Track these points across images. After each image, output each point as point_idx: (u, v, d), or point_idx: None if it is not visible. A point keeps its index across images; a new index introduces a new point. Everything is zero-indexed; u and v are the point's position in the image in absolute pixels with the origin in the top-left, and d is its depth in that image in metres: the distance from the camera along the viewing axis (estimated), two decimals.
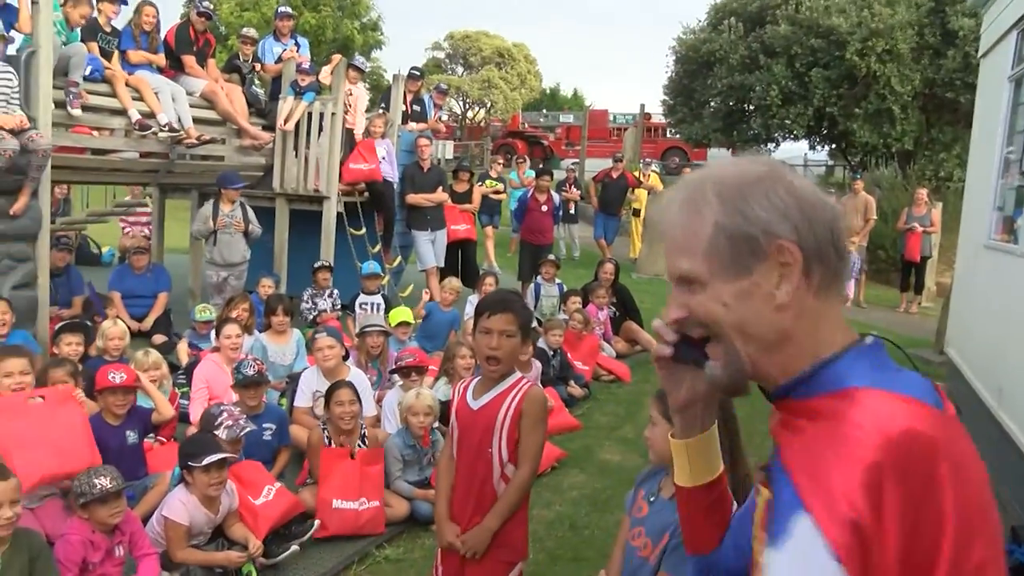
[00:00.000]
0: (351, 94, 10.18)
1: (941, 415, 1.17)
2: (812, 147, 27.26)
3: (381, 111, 10.84)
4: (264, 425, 5.31)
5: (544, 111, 40.77)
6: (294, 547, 4.54)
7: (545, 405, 3.29)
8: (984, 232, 7.55)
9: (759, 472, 1.35)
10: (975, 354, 7.48)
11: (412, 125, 11.49)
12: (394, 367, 6.30)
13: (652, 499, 2.69)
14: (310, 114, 9.68)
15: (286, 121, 9.59)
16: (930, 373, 8.87)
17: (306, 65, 9.89)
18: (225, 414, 4.84)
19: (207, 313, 7.75)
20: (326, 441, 5.20)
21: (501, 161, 17.29)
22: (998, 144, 7.41)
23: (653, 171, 18.65)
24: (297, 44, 10.68)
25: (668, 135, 31.54)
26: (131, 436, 5.00)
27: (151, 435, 5.35)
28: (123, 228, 13.65)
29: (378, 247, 10.27)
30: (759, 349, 1.25)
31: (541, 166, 17.13)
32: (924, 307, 14.25)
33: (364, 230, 10.07)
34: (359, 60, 10.75)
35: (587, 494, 5.76)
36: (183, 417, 5.99)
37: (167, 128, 8.38)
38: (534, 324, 7.79)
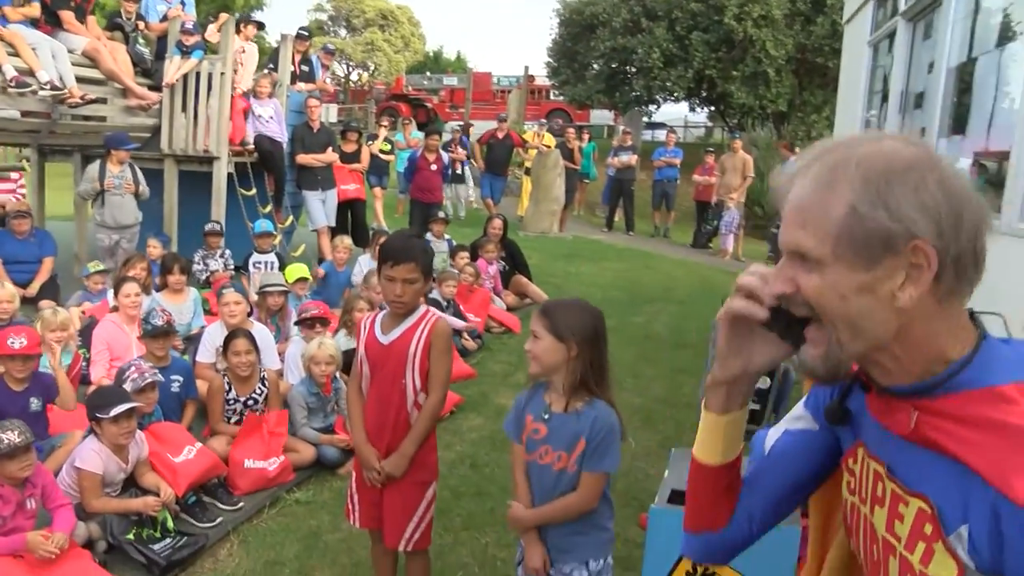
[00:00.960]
0: (243, 51, 10.10)
1: None
2: (692, 109, 28.11)
3: (268, 71, 10.77)
4: (172, 377, 5.38)
5: (428, 74, 40.57)
6: (221, 518, 4.65)
7: (451, 337, 3.53)
8: None
9: (889, 476, 1.28)
10: None
11: (301, 85, 11.45)
12: (299, 319, 6.44)
13: (547, 416, 2.92)
14: (198, 74, 9.58)
15: (172, 77, 9.45)
16: None
17: (190, 24, 9.74)
18: (132, 368, 4.93)
19: (100, 266, 7.67)
20: (227, 387, 5.36)
21: (385, 123, 17.34)
22: (860, 105, 7.93)
23: (547, 132, 18.94)
24: (182, 2, 10.48)
25: (552, 97, 31.89)
26: (35, 403, 4.88)
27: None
28: None
29: (269, 207, 10.26)
30: (867, 346, 1.20)
31: (431, 126, 17.24)
32: None
33: (255, 190, 10.05)
34: (250, 15, 10.65)
35: (485, 435, 6.05)
36: (84, 379, 5.99)
37: (48, 86, 8.18)
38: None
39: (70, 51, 8.75)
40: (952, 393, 1.16)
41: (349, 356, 5.97)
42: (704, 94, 24.48)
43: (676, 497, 3.14)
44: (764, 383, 5.03)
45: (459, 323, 7.90)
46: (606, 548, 3.00)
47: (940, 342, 1.18)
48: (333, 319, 6.90)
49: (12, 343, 4.74)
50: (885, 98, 7.08)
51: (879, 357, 1.21)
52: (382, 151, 15.36)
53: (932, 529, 1.17)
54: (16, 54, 8.11)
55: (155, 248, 8.46)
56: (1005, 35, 4.45)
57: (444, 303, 8.04)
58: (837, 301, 1.18)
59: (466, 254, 9.42)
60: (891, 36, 6.86)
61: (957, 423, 1.14)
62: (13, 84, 7.92)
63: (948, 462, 1.15)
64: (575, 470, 2.86)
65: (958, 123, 5.14)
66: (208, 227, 9.06)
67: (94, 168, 8.75)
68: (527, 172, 17.87)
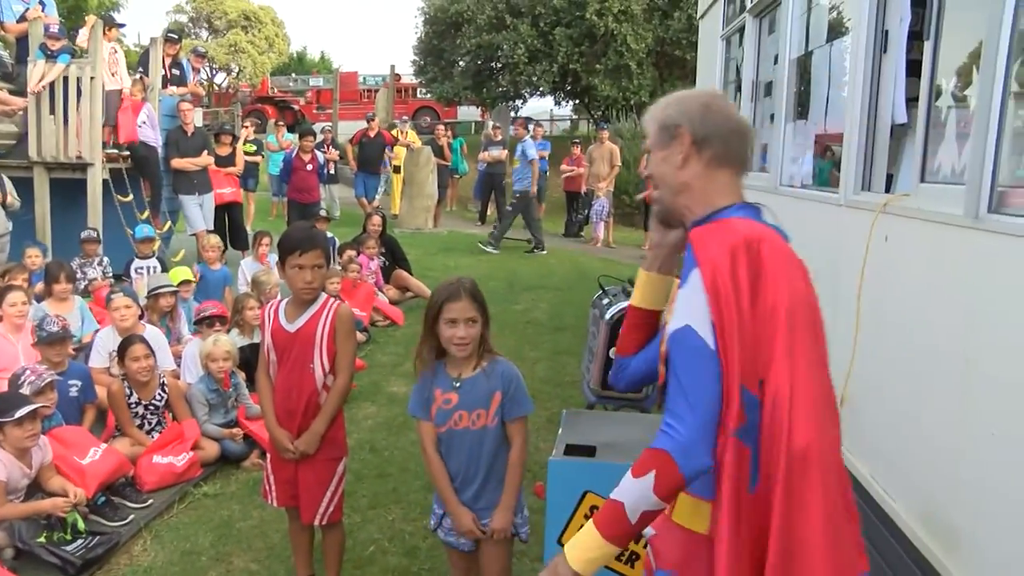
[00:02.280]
0: (115, 51, 9.98)
1: (782, 238, 1.96)
2: (557, 103, 28.65)
3: (139, 75, 10.65)
4: (70, 382, 5.41)
5: (293, 75, 40.04)
6: (132, 516, 4.73)
7: (353, 320, 3.77)
8: None
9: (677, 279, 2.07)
10: None
11: (173, 89, 11.36)
12: (198, 318, 6.52)
13: (458, 384, 3.16)
14: (66, 78, 9.41)
15: (39, 83, 9.27)
16: None
17: (55, 28, 9.54)
18: (28, 371, 4.96)
19: None
20: (127, 391, 5.43)
21: (249, 125, 17.21)
22: None
23: (410, 129, 19.16)
24: (42, 3, 10.22)
25: (419, 95, 32.00)
26: None
27: None
28: None
29: (147, 212, 10.17)
30: (672, 192, 2.06)
31: (302, 127, 17.20)
32: None
33: (131, 196, 9.95)
34: (114, 16, 10.51)
35: (381, 422, 6.28)
36: None
37: None
38: None
39: None
40: (710, 222, 1.97)
41: (243, 352, 6.13)
42: (569, 88, 25.09)
43: (571, 450, 3.45)
44: None
45: None
46: (520, 500, 3.29)
47: (711, 196, 2.01)
48: (228, 318, 6.99)
49: None
50: (739, 88, 7.57)
51: (681, 202, 2.04)
52: (247, 153, 15.28)
53: (674, 294, 2.06)
54: None
55: (35, 257, 8.30)
56: (836, 30, 4.94)
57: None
58: (655, 168, 2.08)
59: (352, 251, 9.57)
60: (741, 31, 7.35)
61: (701, 231, 1.95)
62: None
63: (689, 251, 1.92)
64: (496, 423, 3.12)
65: (801, 109, 5.62)
66: (84, 234, 8.94)
67: None
68: (396, 170, 18.03)
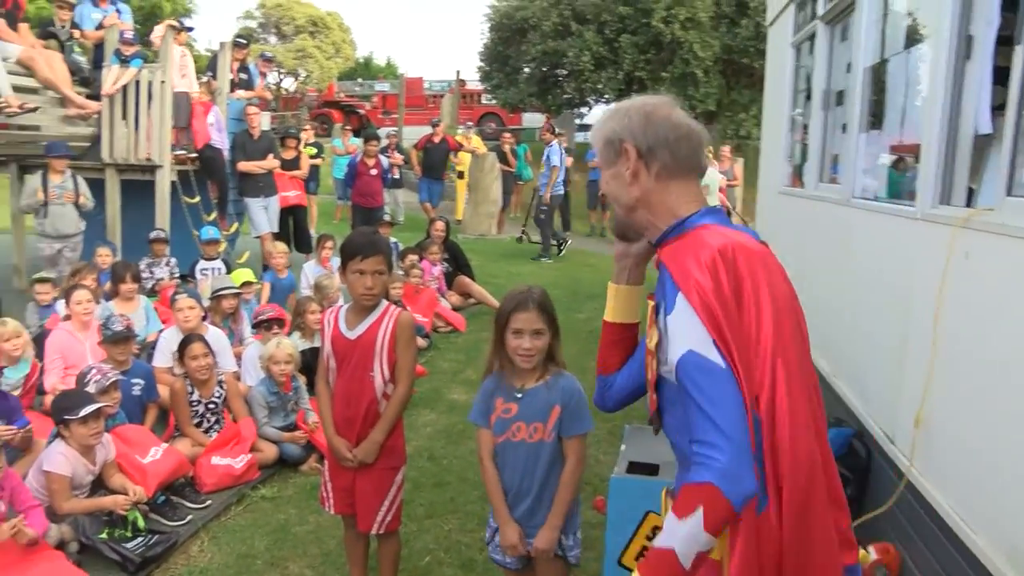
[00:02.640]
0: (184, 55, 10.16)
1: (759, 243, 1.92)
2: None
3: (207, 78, 10.81)
4: (133, 381, 5.48)
5: (359, 80, 40.48)
6: (190, 516, 4.77)
7: (414, 328, 3.73)
8: (779, 181, 8.43)
9: (649, 296, 2.02)
10: None
11: (240, 93, 11.50)
12: (255, 321, 6.56)
13: (519, 395, 3.10)
14: (138, 82, 9.59)
15: (113, 86, 9.46)
16: None
17: (129, 34, 9.75)
18: (94, 371, 5.03)
19: (44, 274, 7.64)
20: (189, 390, 5.48)
21: (309, 128, 17.32)
22: (786, 103, 8.28)
23: (475, 135, 19.17)
24: (118, 10, 10.48)
25: (484, 101, 32.09)
26: None
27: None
28: None
29: (213, 214, 10.31)
30: (625, 208, 2.01)
31: (367, 131, 17.32)
32: None
33: (198, 198, 10.09)
34: (182, 21, 10.72)
35: (440, 429, 6.24)
36: (39, 388, 6.02)
37: None
38: None
39: (4, 59, 8.70)
40: (676, 236, 1.91)
41: (304, 356, 6.14)
42: (634, 95, 24.87)
43: (634, 468, 3.36)
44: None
45: None
46: (574, 521, 3.18)
47: (671, 207, 1.94)
48: (286, 322, 7.02)
49: None
50: (809, 96, 7.41)
51: (639, 218, 1.99)
52: (308, 156, 15.40)
53: (652, 317, 1.94)
54: None
55: (105, 256, 8.46)
56: (912, 38, 4.77)
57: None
58: (606, 186, 2.03)
59: (415, 256, 9.57)
60: (811, 38, 7.20)
61: (672, 249, 1.89)
62: None
63: (666, 273, 1.86)
64: (552, 438, 3.03)
65: (875, 119, 5.46)
66: (153, 235, 9.09)
67: (35, 180, 8.75)
68: (460, 176, 18.06)
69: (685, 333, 1.78)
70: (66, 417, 4.45)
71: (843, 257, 5.69)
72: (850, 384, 5.29)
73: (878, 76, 5.33)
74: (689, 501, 1.67)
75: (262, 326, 6.43)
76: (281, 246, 9.56)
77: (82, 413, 4.41)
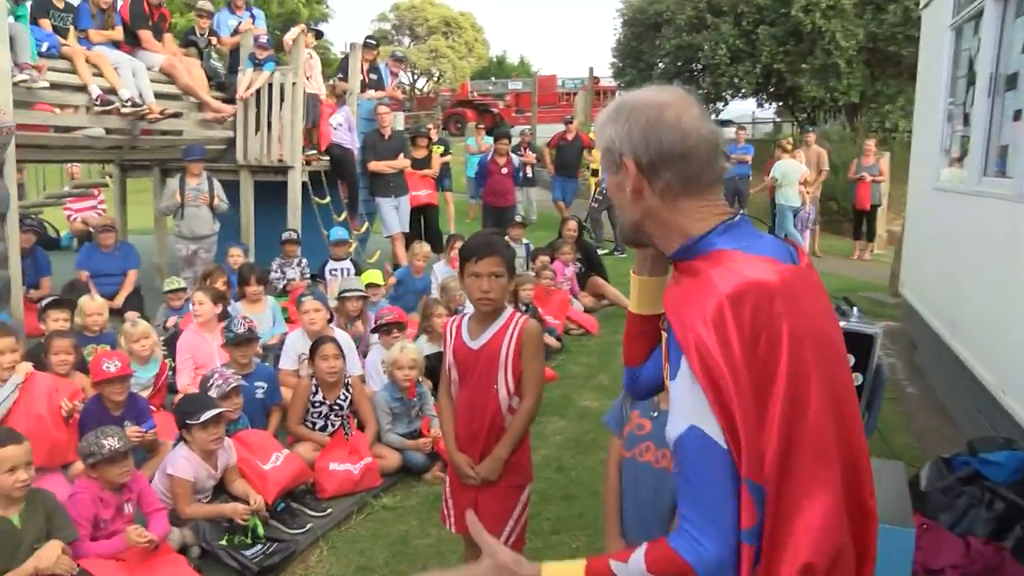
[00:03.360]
0: (311, 57, 10.26)
1: (787, 267, 1.59)
2: (760, 104, 27.61)
3: (336, 79, 10.89)
4: (256, 384, 5.43)
5: (492, 79, 40.65)
6: (310, 524, 4.67)
7: (541, 336, 3.46)
8: (933, 176, 7.84)
9: (663, 319, 1.77)
10: (928, 292, 7.79)
11: (371, 93, 11.55)
12: (375, 325, 6.46)
13: (655, 414, 2.81)
14: (270, 85, 9.71)
15: (247, 90, 9.62)
16: (887, 315, 9.21)
17: (264, 38, 9.91)
18: (216, 375, 4.99)
19: (175, 283, 7.76)
20: (313, 389, 5.40)
21: (432, 126, 17.29)
22: (943, 91, 7.68)
23: None
24: (252, 16, 10.69)
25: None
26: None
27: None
28: (67, 215, 13.39)
29: (344, 214, 10.35)
30: (631, 223, 1.75)
31: (499, 130, 17.21)
32: (877, 254, 14.65)
33: (329, 198, 10.15)
34: (314, 24, 10.84)
35: (570, 438, 5.98)
36: (170, 388, 6.10)
37: (129, 103, 8.38)
38: None
39: (148, 68, 8.98)
40: (690, 258, 1.65)
41: (430, 361, 5.98)
42: (772, 89, 24.07)
43: None
44: (857, 380, 4.88)
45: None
46: None
47: (681, 224, 1.66)
48: (411, 325, 6.90)
49: (107, 367, 4.81)
50: (971, 82, 6.85)
51: (648, 232, 1.73)
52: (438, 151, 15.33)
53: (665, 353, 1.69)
54: (100, 74, 8.34)
55: (237, 256, 8.59)
56: None
57: (523, 307, 7.99)
58: (611, 194, 1.77)
59: (546, 257, 9.35)
60: (977, 17, 6.63)
61: (677, 296, 1.64)
62: (98, 103, 8.14)
63: (669, 329, 1.64)
64: None
65: None
66: (285, 235, 9.16)
67: (174, 182, 8.98)
68: (594, 174, 17.75)
69: (688, 405, 1.56)
70: (188, 421, 4.42)
71: (1011, 257, 5.18)
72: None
73: None
74: (663, 566, 1.56)
75: (382, 329, 6.30)
76: (425, 247, 9.46)
77: (203, 418, 4.36)
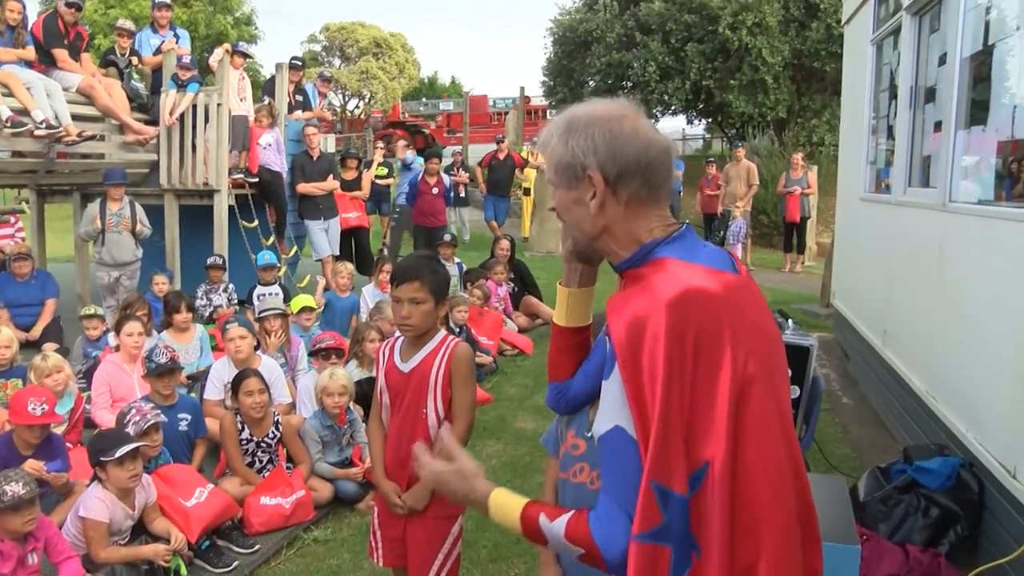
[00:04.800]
0: (243, 78, 10.05)
1: (731, 276, 1.67)
2: (689, 121, 27.94)
3: (267, 101, 10.67)
4: (179, 416, 5.19)
5: (424, 99, 40.51)
6: (237, 562, 4.46)
7: (472, 360, 3.34)
8: (860, 187, 7.93)
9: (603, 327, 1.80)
10: (860, 302, 7.84)
11: (298, 114, 11.34)
12: (312, 350, 6.27)
13: (589, 434, 2.71)
14: (195, 106, 9.47)
15: (171, 114, 9.36)
16: (819, 326, 9.27)
17: (187, 59, 9.65)
18: (133, 411, 4.74)
19: (90, 310, 7.43)
20: (239, 426, 5.15)
21: (382, 146, 17.11)
22: (867, 104, 7.78)
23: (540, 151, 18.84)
24: (176, 36, 10.38)
25: (548, 116, 31.79)
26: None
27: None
28: None
29: (272, 238, 10.12)
30: (587, 237, 1.77)
31: (429, 150, 17.09)
32: (807, 266, 14.85)
33: (256, 222, 9.91)
34: (242, 45, 10.64)
35: (506, 461, 5.85)
36: (87, 422, 5.82)
37: (44, 125, 8.06)
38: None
39: (65, 89, 8.64)
40: (636, 265, 1.69)
41: (361, 387, 5.81)
42: (702, 106, 24.36)
43: None
44: (794, 392, 4.85)
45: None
46: None
47: (636, 234, 1.70)
48: (345, 351, 6.71)
49: (34, 409, 4.50)
50: (894, 95, 6.94)
51: (602, 245, 1.76)
52: (379, 176, 15.13)
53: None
54: (10, 94, 8.00)
55: (162, 284, 8.33)
56: None
57: (456, 328, 7.84)
58: (564, 211, 1.78)
59: (483, 281, 9.22)
60: (895, 33, 6.72)
61: (617, 302, 1.65)
62: (8, 124, 7.81)
63: (606, 332, 1.69)
64: None
65: (977, 114, 4.98)
66: (210, 261, 8.91)
67: (94, 207, 8.67)
68: (527, 193, 17.71)
69: (618, 404, 1.62)
70: (102, 459, 4.17)
71: (937, 265, 5.21)
72: (954, 406, 4.79)
73: (980, 66, 4.85)
74: (577, 537, 1.68)
75: (319, 354, 6.11)
76: (349, 266, 9.31)
77: (118, 454, 4.12)
